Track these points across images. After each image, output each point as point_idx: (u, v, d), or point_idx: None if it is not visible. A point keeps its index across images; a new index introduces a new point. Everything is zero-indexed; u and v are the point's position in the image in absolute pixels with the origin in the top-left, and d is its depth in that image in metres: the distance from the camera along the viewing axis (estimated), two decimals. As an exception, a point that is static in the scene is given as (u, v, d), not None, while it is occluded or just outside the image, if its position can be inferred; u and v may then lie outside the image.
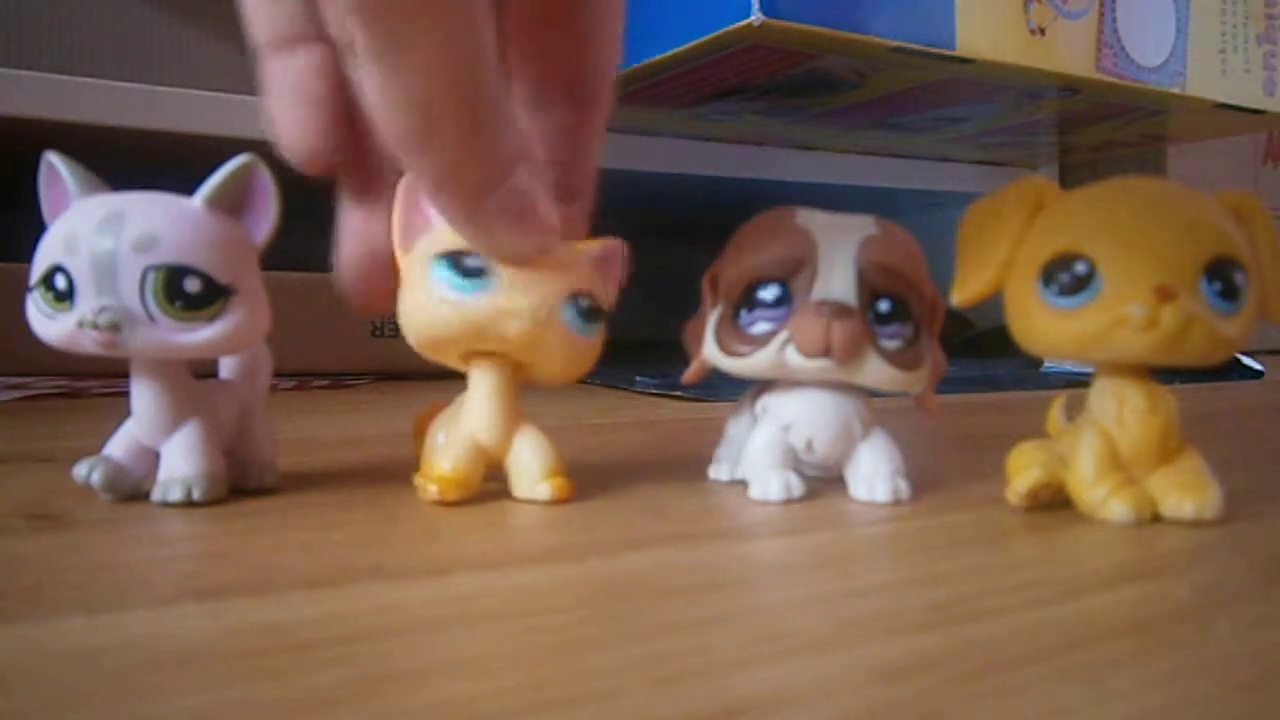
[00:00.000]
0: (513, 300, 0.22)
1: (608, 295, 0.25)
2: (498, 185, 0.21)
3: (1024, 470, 0.23)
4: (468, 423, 0.24)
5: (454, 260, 0.23)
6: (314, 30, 0.23)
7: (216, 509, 0.23)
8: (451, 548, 0.20)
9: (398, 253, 0.24)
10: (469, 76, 0.19)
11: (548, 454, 0.24)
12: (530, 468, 0.24)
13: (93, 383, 0.52)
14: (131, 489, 0.23)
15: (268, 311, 0.23)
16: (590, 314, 0.23)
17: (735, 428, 0.27)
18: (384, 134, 0.20)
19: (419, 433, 0.27)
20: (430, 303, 0.23)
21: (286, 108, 0.23)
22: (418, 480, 0.25)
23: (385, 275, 0.24)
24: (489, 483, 0.25)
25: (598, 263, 0.25)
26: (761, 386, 0.27)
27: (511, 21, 0.24)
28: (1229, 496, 0.22)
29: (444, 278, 0.23)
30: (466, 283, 0.22)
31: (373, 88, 0.19)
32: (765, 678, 0.13)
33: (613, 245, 0.25)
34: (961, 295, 0.23)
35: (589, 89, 0.24)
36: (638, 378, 0.56)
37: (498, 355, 0.24)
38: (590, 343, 0.24)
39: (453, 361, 0.24)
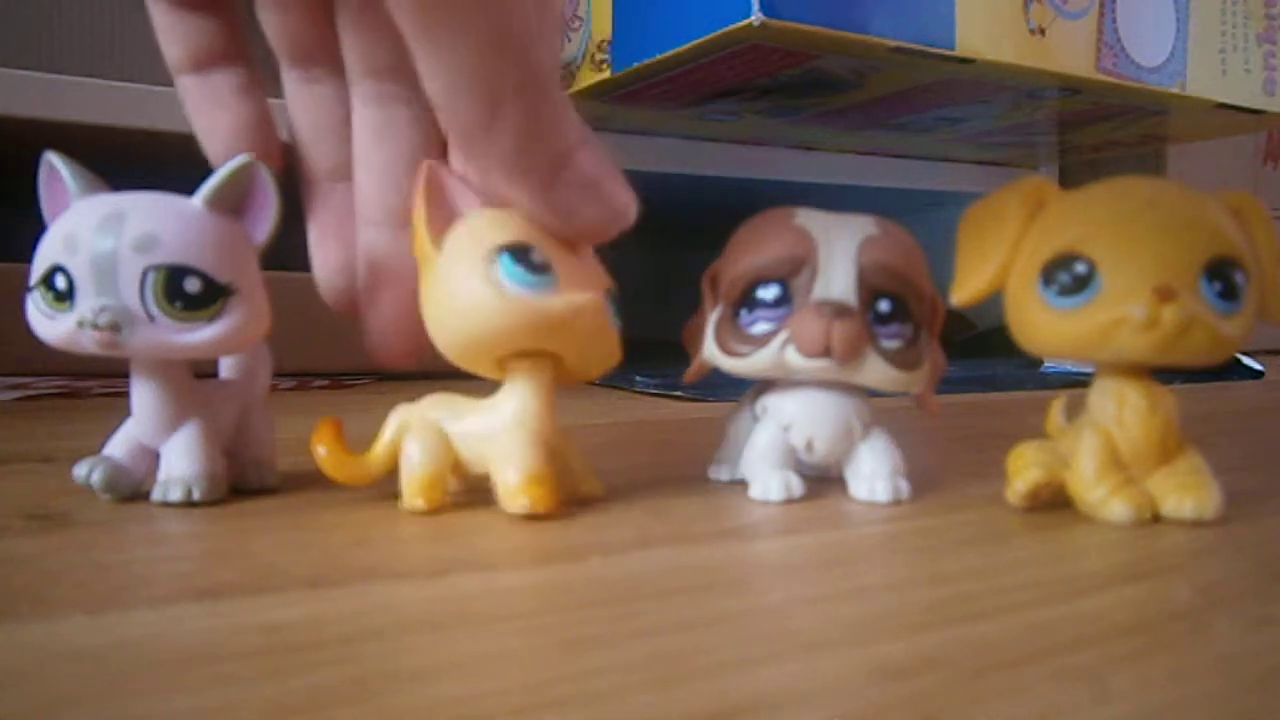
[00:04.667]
0: (578, 296, 0.22)
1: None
2: (568, 161, 0.21)
3: (1024, 470, 0.23)
4: (530, 425, 0.23)
5: (520, 255, 0.21)
6: (232, 50, 0.23)
7: (216, 509, 0.23)
8: (451, 548, 0.20)
9: (426, 248, 0.22)
10: (522, 43, 0.19)
11: (585, 464, 0.24)
12: (507, 480, 0.22)
13: (93, 383, 0.52)
14: (131, 489, 0.23)
15: (268, 311, 0.23)
16: (618, 305, 0.23)
17: (735, 428, 0.27)
18: (446, 123, 0.20)
19: (325, 440, 0.24)
20: (496, 301, 0.21)
21: (214, 127, 0.23)
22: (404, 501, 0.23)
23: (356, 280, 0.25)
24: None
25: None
26: (761, 386, 0.27)
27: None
28: (1229, 496, 0.22)
29: (514, 274, 0.21)
30: (537, 279, 0.21)
31: (429, 71, 0.19)
32: (765, 678, 0.13)
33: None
34: (961, 295, 0.23)
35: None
36: (638, 378, 0.56)
37: (538, 356, 0.23)
38: (618, 333, 0.24)
39: (486, 367, 0.23)
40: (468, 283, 0.21)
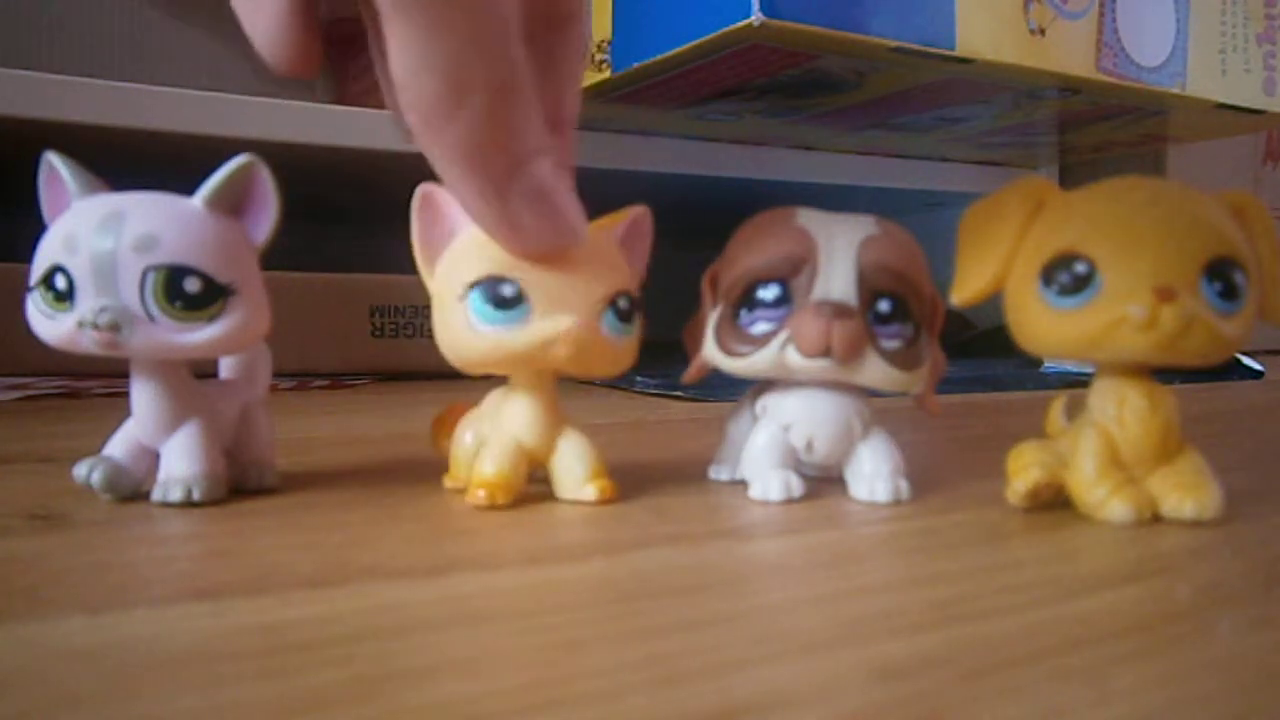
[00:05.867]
0: (553, 324, 0.22)
1: (637, 269, 0.25)
2: (524, 165, 0.20)
3: (1024, 470, 0.23)
4: (510, 426, 0.24)
5: (488, 290, 0.22)
6: None
7: (216, 509, 0.23)
8: (451, 547, 0.20)
9: (422, 268, 0.24)
10: (501, 36, 0.19)
11: (591, 456, 0.24)
12: (575, 470, 0.24)
13: (93, 383, 0.52)
14: (131, 489, 0.23)
15: (268, 311, 0.23)
16: (629, 313, 0.23)
17: (735, 428, 0.27)
18: (407, 103, 0.19)
19: (439, 430, 0.27)
20: (469, 335, 0.22)
21: (259, 13, 0.22)
22: (448, 482, 0.25)
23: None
24: (531, 484, 0.25)
25: (624, 241, 0.24)
26: (761, 386, 0.27)
27: None
28: (1229, 496, 0.22)
29: (480, 311, 0.22)
30: (503, 314, 0.22)
31: (399, 47, 0.18)
32: (765, 678, 0.13)
33: (636, 217, 0.24)
34: (961, 295, 0.23)
35: (561, 114, 0.24)
36: (638, 378, 0.56)
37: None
38: (630, 340, 0.23)
39: (503, 371, 0.24)
40: (449, 317, 0.23)
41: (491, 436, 0.24)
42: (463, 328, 0.22)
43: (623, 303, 0.23)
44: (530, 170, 0.21)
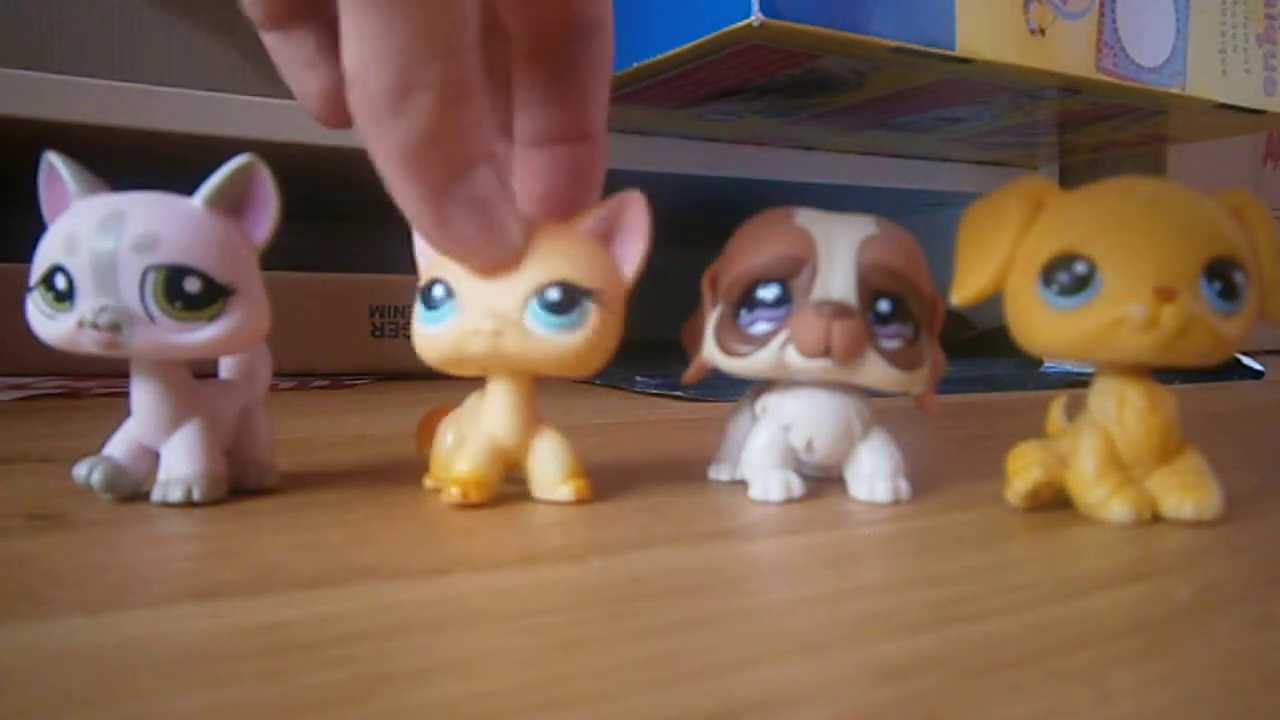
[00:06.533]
0: (470, 319, 0.22)
1: (629, 258, 0.23)
2: (466, 171, 0.20)
3: (1024, 470, 0.23)
4: (486, 424, 0.24)
5: (424, 295, 0.23)
6: (313, 5, 0.22)
7: (216, 509, 0.23)
8: (451, 548, 0.20)
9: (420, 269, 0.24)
10: (455, 36, 0.19)
11: (568, 456, 0.24)
12: (551, 469, 0.24)
13: (93, 383, 0.52)
14: (131, 489, 0.23)
15: (268, 311, 0.23)
16: (562, 305, 0.22)
17: (735, 428, 0.27)
18: (354, 97, 0.19)
19: (424, 433, 0.27)
20: (417, 334, 0.24)
21: (306, 90, 0.23)
22: (428, 482, 0.25)
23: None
24: (505, 484, 0.24)
25: (599, 231, 0.23)
26: (761, 386, 0.27)
27: (514, 59, 0.24)
28: (1229, 496, 0.22)
29: (419, 314, 0.23)
30: (432, 314, 0.23)
31: (351, 38, 0.18)
32: (765, 678, 0.13)
33: (618, 202, 0.23)
34: (961, 295, 0.23)
35: (588, 123, 0.24)
36: (638, 378, 0.56)
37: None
38: (574, 335, 0.22)
39: (469, 372, 0.24)
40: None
41: (468, 435, 0.24)
42: (416, 327, 0.24)
43: (552, 294, 0.22)
44: (472, 177, 0.20)
